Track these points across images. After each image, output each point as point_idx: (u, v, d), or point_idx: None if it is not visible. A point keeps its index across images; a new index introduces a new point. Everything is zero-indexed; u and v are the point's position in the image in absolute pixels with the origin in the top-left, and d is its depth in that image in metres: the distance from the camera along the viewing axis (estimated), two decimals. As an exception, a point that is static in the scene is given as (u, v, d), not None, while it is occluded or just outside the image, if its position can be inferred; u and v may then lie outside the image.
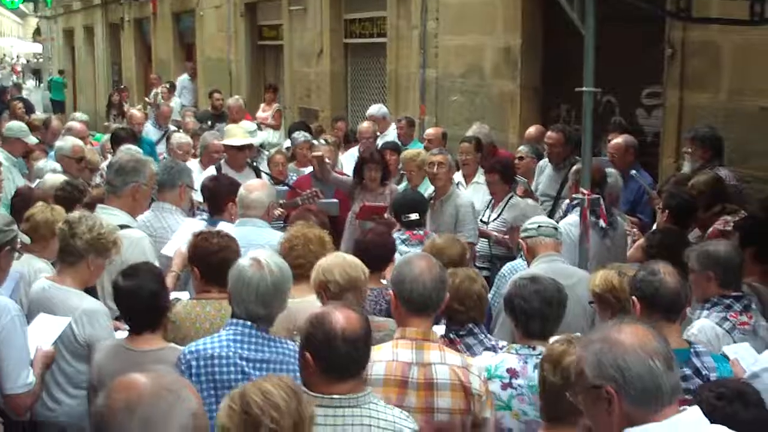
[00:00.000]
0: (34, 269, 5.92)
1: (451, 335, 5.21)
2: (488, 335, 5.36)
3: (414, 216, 7.74)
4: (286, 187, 9.87)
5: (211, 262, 5.36)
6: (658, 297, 4.57)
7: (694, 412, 2.91)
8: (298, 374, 4.38)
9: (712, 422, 2.94)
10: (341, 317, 3.84)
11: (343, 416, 3.79)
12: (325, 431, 3.76)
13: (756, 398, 3.68)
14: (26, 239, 5.67)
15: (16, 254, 5.40)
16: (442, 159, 8.64)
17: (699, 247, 5.66)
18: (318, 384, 3.83)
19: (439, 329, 5.33)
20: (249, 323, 4.52)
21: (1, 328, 4.86)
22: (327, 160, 9.79)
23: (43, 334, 5.17)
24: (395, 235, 7.30)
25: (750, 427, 3.20)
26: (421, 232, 7.65)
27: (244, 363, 4.44)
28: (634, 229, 8.08)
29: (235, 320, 4.56)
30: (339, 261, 5.22)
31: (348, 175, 10.02)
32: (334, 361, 3.82)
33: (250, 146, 9.97)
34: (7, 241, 5.12)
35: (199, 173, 9.43)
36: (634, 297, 4.67)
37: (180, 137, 12.15)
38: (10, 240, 5.16)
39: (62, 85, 35.93)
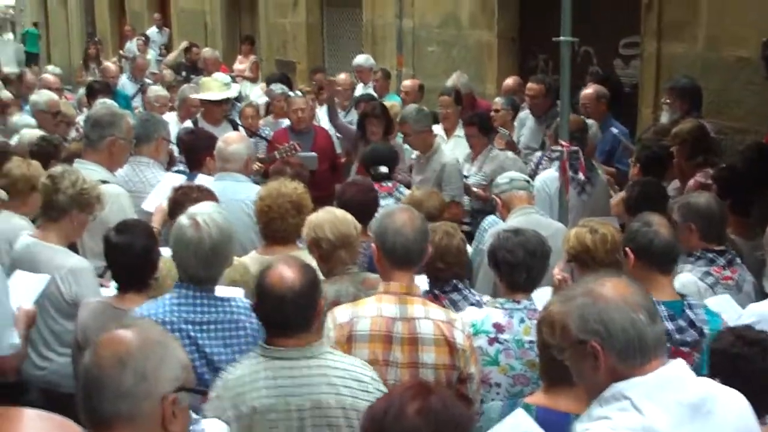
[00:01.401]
0: (14, 226, 5.86)
1: (435, 291, 5.19)
2: (472, 291, 5.36)
3: (383, 169, 7.68)
4: (262, 140, 9.80)
5: (192, 216, 5.30)
6: (653, 248, 4.56)
7: (679, 365, 2.92)
8: (250, 331, 4.46)
9: (729, 364, 2.94)
10: (275, 274, 3.86)
11: (299, 368, 3.82)
12: (283, 383, 3.80)
13: None
14: (4, 195, 5.62)
15: (-5, 211, 5.35)
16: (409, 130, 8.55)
17: (681, 199, 5.67)
18: (267, 338, 3.92)
19: (421, 280, 5.33)
20: (192, 286, 4.47)
21: None
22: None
23: (22, 293, 5.12)
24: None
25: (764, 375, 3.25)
26: (389, 184, 7.57)
27: (189, 327, 4.39)
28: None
29: (178, 283, 4.52)
30: (330, 217, 5.14)
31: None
32: (267, 317, 3.91)
33: (227, 100, 9.82)
34: (-16, 199, 5.08)
35: (177, 126, 9.35)
36: (627, 248, 4.66)
37: (157, 90, 12.04)
38: (-13, 197, 5.12)
39: (37, 37, 35.48)
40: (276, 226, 5.59)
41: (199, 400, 3.01)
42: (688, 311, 4.53)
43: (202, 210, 4.58)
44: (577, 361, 2.93)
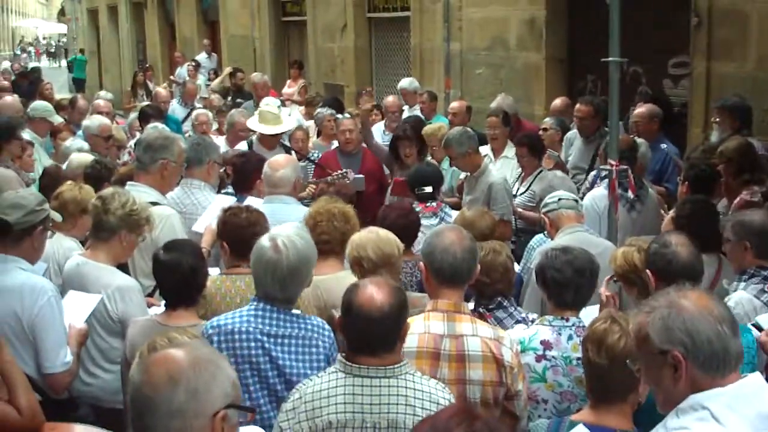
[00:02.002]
0: (64, 247, 5.96)
1: (481, 309, 5.20)
2: (518, 308, 5.37)
3: (428, 189, 7.71)
4: (312, 164, 9.84)
5: (240, 236, 5.32)
6: (672, 269, 4.58)
7: (757, 378, 2.93)
8: (322, 349, 4.47)
9: None
10: (365, 293, 3.85)
11: (379, 386, 3.80)
12: (362, 400, 3.79)
13: None
14: (57, 217, 5.69)
15: (49, 233, 5.41)
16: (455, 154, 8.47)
17: (734, 217, 5.62)
18: (349, 354, 3.88)
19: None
20: (269, 301, 4.52)
21: (38, 309, 4.90)
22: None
23: (75, 312, 5.21)
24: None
25: None
26: (434, 204, 7.61)
27: (264, 338, 4.44)
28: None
29: (256, 297, 4.57)
30: (372, 237, 5.21)
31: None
32: (353, 334, 3.88)
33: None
34: (40, 221, 5.14)
35: (225, 150, 9.42)
36: (648, 270, 4.69)
37: (199, 111, 12.16)
38: (43, 219, 5.18)
39: (84, 64, 36.00)
40: (321, 229, 5.61)
41: (247, 418, 3.01)
42: None
43: (282, 232, 4.61)
44: (656, 372, 2.93)
